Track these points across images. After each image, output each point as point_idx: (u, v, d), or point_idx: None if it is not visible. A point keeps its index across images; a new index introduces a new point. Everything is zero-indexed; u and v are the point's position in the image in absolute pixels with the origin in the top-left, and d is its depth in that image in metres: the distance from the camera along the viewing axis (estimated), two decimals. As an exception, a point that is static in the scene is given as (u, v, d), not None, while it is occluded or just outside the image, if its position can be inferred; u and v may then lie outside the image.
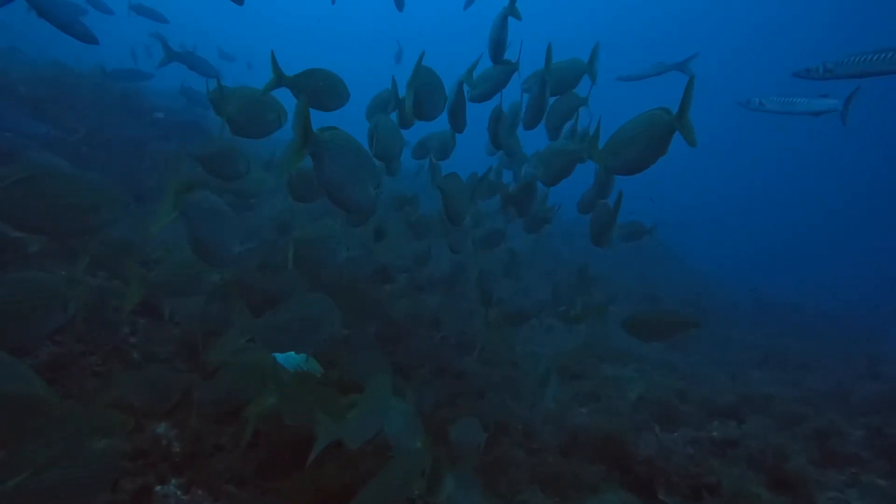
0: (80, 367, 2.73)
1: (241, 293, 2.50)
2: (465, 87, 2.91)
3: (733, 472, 2.78)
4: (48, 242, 3.33)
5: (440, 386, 3.70)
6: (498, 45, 2.82)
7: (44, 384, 1.65)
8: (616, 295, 8.40)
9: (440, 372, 4.14)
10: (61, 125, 4.93)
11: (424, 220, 3.94)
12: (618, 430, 3.02)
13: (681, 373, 5.45)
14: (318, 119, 1.68)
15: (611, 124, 2.19)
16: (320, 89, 2.63)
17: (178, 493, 2.11)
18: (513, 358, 4.07)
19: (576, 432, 3.05)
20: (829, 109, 3.51)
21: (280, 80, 2.53)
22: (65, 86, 5.11)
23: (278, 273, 3.71)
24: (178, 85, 5.94)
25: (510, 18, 2.79)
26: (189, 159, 3.05)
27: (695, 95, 1.85)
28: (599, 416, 3.93)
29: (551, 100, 3.00)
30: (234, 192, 3.80)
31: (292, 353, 2.28)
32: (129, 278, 2.10)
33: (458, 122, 2.97)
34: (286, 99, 2.63)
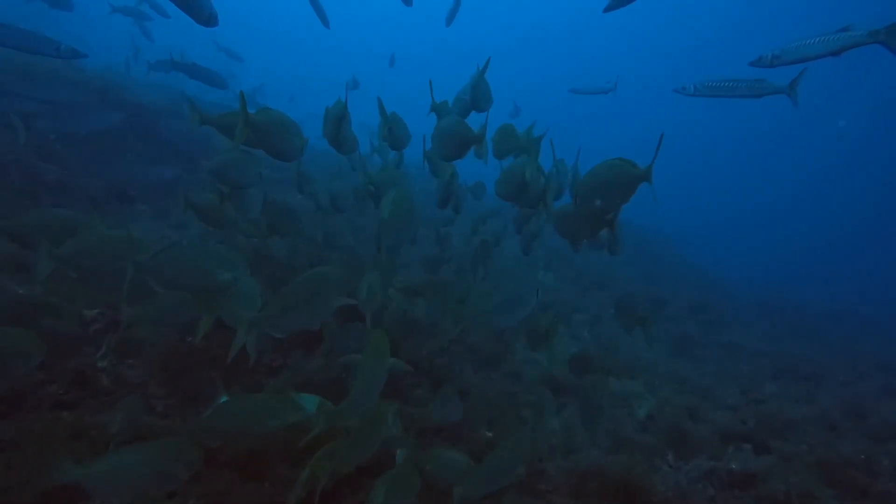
0: (39, 398, 2.46)
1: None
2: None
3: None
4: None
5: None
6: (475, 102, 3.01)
7: None
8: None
9: (438, 388, 3.89)
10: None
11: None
12: (631, 467, 2.77)
13: (691, 386, 5.20)
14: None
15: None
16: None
17: None
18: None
19: (586, 470, 2.80)
20: (771, 91, 3.76)
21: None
22: (37, 77, 4.76)
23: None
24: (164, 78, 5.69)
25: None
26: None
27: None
28: (607, 439, 3.69)
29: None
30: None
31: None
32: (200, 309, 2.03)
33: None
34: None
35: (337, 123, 2.85)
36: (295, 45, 38.08)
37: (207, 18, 2.88)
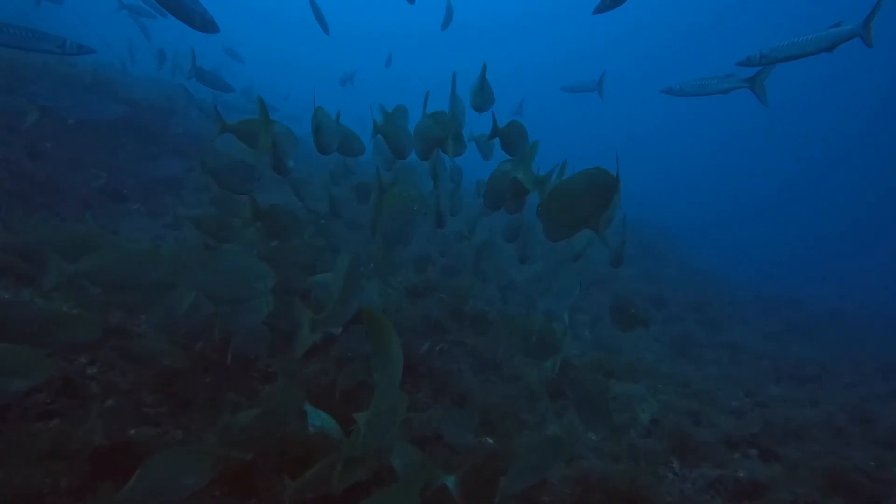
0: (25, 407, 2.37)
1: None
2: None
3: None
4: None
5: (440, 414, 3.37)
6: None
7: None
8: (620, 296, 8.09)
9: (438, 392, 3.82)
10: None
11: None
12: (636, 477, 2.69)
13: (694, 389, 5.12)
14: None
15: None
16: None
17: None
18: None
19: (588, 478, 2.72)
20: (736, 87, 3.95)
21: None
22: (28, 74, 4.64)
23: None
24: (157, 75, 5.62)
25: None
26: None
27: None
28: (611, 444, 3.62)
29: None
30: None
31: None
32: (300, 323, 2.08)
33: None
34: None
35: (316, 135, 2.78)
36: (293, 42, 37.92)
37: (202, 25, 2.82)
